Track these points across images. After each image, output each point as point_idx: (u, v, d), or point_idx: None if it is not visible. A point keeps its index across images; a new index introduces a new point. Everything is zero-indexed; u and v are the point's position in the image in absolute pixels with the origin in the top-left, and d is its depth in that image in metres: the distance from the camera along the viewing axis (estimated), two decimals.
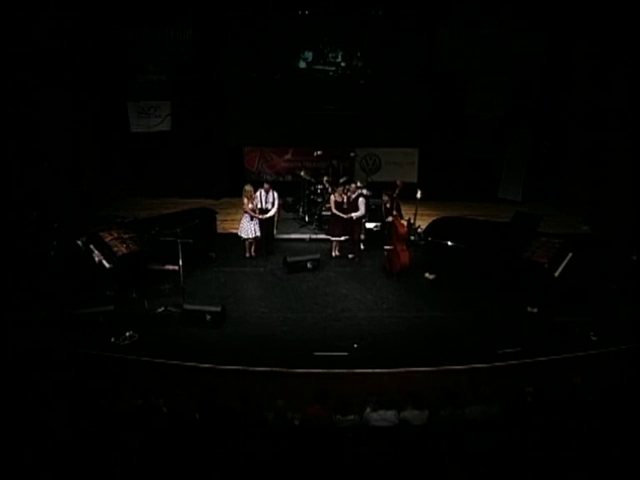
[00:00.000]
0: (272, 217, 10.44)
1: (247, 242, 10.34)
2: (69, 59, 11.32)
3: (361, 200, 10.22)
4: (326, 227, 10.83)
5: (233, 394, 6.10)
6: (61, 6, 10.79)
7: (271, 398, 6.01)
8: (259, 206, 10.16)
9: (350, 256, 10.43)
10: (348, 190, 10.23)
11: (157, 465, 4.93)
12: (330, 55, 12.86)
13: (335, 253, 10.52)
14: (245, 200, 10.06)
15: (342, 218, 10.12)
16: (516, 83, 12.66)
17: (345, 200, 10.14)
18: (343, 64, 12.93)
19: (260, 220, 10.17)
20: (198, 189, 12.95)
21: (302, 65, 12.95)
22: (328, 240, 10.62)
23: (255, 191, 10.19)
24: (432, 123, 12.99)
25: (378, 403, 6.06)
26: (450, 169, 13.17)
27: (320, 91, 13.02)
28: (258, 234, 10.23)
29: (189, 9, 12.03)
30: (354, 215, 10.09)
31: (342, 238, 10.31)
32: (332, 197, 10.26)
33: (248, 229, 10.14)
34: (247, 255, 10.44)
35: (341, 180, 11.77)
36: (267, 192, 10.23)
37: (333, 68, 12.96)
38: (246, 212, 10.07)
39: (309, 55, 12.88)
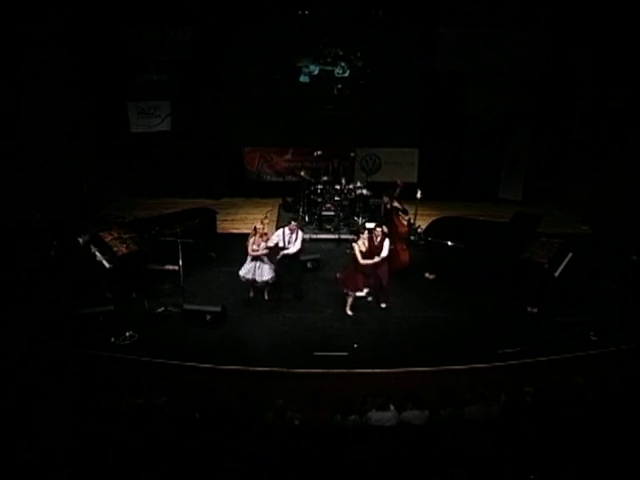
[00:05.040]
0: (294, 254, 8.84)
1: (247, 283, 8.95)
2: (69, 59, 11.32)
3: (386, 242, 8.61)
4: (342, 281, 8.86)
5: (233, 394, 6.11)
6: (61, 6, 10.79)
7: (271, 398, 6.01)
8: (280, 244, 8.71)
9: (383, 305, 9.02)
10: (372, 233, 8.57)
11: (157, 465, 4.93)
12: (335, 71, 12.81)
13: (349, 312, 8.80)
14: (251, 240, 8.61)
15: (366, 267, 8.45)
16: (516, 83, 12.66)
17: (370, 246, 8.52)
18: (346, 74, 12.86)
19: (278, 259, 8.77)
20: (198, 189, 12.94)
21: (305, 80, 12.89)
22: (346, 294, 8.75)
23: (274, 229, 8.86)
24: (432, 123, 12.99)
25: (378, 403, 6.07)
26: (450, 169, 13.19)
27: (320, 91, 13.02)
28: (263, 279, 8.72)
29: (189, 9, 12.03)
30: (378, 258, 8.48)
31: (364, 292, 8.72)
32: (355, 246, 8.43)
33: (247, 269, 8.75)
34: (250, 295, 9.12)
35: (343, 184, 11.77)
36: (292, 231, 8.75)
37: (339, 86, 12.92)
38: (251, 253, 8.62)
39: (315, 69, 12.81)
